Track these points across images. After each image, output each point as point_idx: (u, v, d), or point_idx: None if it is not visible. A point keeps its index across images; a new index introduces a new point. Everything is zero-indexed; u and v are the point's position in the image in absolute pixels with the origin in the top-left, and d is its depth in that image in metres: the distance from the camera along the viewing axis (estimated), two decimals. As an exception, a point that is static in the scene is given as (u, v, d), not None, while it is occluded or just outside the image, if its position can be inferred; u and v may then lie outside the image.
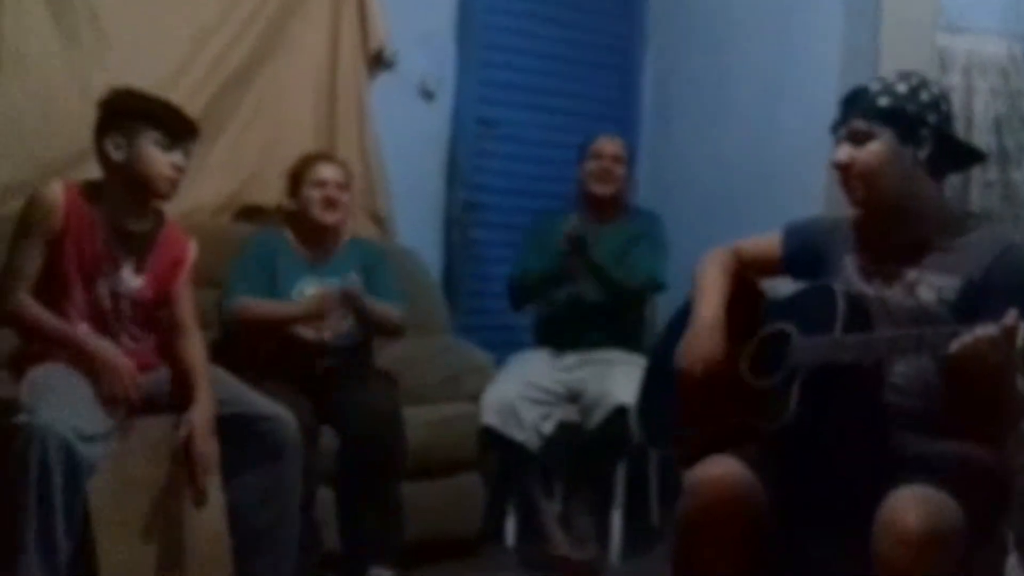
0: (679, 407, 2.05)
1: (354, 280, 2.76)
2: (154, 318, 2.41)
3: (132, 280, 2.35)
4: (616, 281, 3.24)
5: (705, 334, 1.99)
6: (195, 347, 2.41)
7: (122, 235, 2.33)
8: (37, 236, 2.24)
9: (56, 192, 2.25)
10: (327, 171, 2.93)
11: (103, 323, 2.31)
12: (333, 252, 2.96)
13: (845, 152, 1.87)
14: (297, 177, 2.95)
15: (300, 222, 2.94)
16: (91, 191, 2.31)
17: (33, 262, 2.24)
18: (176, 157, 2.33)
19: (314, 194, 2.90)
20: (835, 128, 1.93)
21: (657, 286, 3.28)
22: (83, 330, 2.26)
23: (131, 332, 2.36)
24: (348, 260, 2.94)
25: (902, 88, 1.87)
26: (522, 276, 3.35)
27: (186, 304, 2.44)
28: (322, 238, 2.94)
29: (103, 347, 2.25)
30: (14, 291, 2.22)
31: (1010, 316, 1.54)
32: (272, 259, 2.88)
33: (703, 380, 1.96)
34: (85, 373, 2.21)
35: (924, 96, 1.87)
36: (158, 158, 2.30)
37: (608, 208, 3.41)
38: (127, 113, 2.30)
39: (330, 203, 2.89)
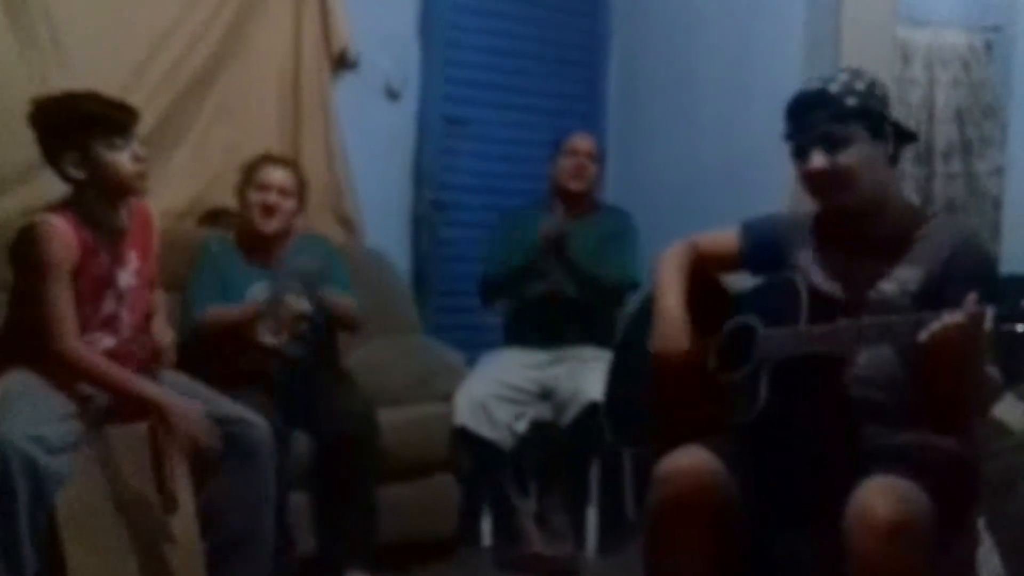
0: (650, 400, 2.05)
1: (307, 262, 2.73)
2: (144, 291, 2.42)
3: (129, 274, 2.35)
4: (595, 278, 3.24)
5: (671, 329, 2.00)
6: (156, 296, 2.52)
7: (112, 240, 2.31)
8: (63, 276, 2.19)
9: (64, 227, 2.20)
10: (274, 175, 2.87)
11: (113, 328, 2.31)
12: (279, 254, 2.90)
13: (822, 159, 1.83)
14: (245, 177, 2.91)
15: (244, 224, 2.91)
16: (74, 211, 2.26)
17: (70, 301, 2.20)
18: (133, 149, 2.29)
19: (255, 197, 2.85)
20: (796, 135, 1.88)
21: (634, 284, 3.28)
22: (103, 345, 2.27)
23: (128, 321, 2.35)
24: (298, 257, 2.91)
25: (860, 86, 1.85)
26: (493, 273, 3.34)
27: (154, 264, 2.49)
28: (263, 242, 2.89)
29: (168, 394, 2.25)
30: (67, 338, 2.19)
31: (970, 301, 1.55)
32: (221, 266, 2.86)
33: (676, 371, 1.96)
34: (159, 428, 2.23)
35: (878, 91, 1.87)
36: (119, 161, 2.26)
37: (580, 204, 3.41)
38: (66, 126, 2.24)
39: (268, 210, 2.84)
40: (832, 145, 1.82)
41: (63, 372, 2.21)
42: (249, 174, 2.90)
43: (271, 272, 2.86)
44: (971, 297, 1.55)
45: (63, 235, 2.19)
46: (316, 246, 2.99)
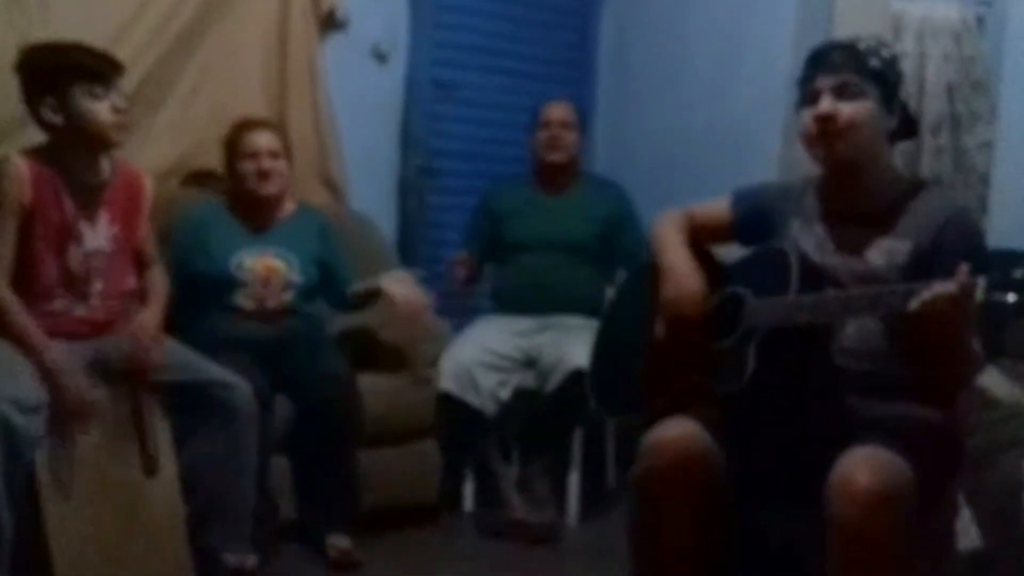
0: (638, 369, 2.05)
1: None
2: (126, 265, 2.39)
3: (101, 235, 2.32)
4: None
5: (684, 276, 1.99)
6: (156, 276, 2.48)
7: (83, 192, 2.28)
8: (9, 216, 2.18)
9: (20, 166, 2.20)
10: (259, 139, 2.84)
11: (75, 287, 2.28)
12: (274, 221, 2.90)
13: (831, 103, 1.83)
14: (230, 148, 2.88)
15: (237, 191, 2.89)
16: (45, 156, 2.25)
17: (8, 243, 2.18)
18: (113, 99, 2.27)
19: (247, 166, 2.83)
20: (809, 78, 1.88)
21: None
22: (62, 304, 2.23)
23: (101, 290, 2.32)
24: (290, 229, 2.90)
25: (886, 53, 1.88)
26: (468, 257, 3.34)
27: (148, 238, 2.46)
28: (261, 208, 2.87)
29: (60, 362, 2.18)
30: None
31: (962, 272, 1.55)
32: (207, 230, 2.83)
33: (693, 320, 1.95)
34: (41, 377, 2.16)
35: (897, 67, 1.89)
36: (97, 109, 2.24)
37: (560, 176, 3.39)
38: (48, 72, 2.23)
39: (264, 175, 2.82)
40: (844, 94, 1.83)
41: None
42: (235, 143, 2.87)
43: (263, 238, 2.85)
44: (963, 267, 1.55)
45: (16, 173, 2.18)
46: (312, 219, 2.98)
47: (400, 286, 2.87)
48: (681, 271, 2.00)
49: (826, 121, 1.83)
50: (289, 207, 2.95)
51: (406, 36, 3.74)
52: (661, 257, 2.05)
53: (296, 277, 2.82)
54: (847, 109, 1.83)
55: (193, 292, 2.74)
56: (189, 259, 2.78)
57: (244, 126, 2.90)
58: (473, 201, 3.51)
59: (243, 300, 2.77)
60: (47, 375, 2.16)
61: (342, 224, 3.21)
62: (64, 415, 2.17)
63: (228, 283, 2.77)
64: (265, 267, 2.79)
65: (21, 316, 2.19)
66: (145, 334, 2.31)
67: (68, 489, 2.16)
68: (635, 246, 3.22)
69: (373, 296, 2.93)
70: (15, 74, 2.25)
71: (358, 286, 2.96)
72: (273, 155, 2.84)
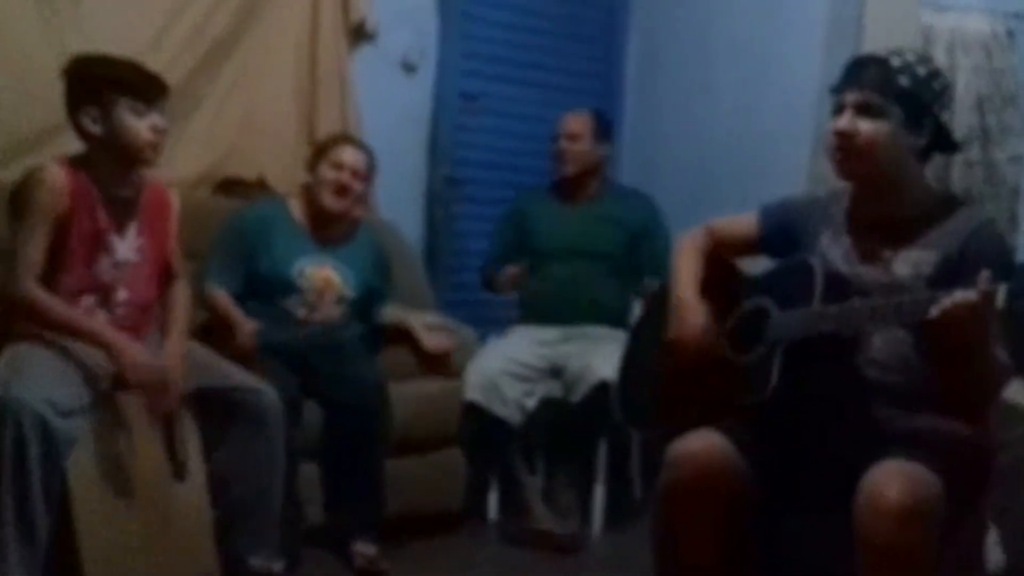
0: (661, 386, 2.05)
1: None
2: (150, 276, 2.40)
3: (130, 247, 2.34)
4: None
5: (688, 315, 2.00)
6: (180, 291, 2.48)
7: (115, 204, 2.31)
8: (45, 221, 2.20)
9: (59, 174, 2.22)
10: (348, 155, 2.89)
11: (104, 295, 2.30)
12: (345, 237, 2.94)
13: (849, 121, 1.83)
14: (320, 152, 2.92)
15: (310, 199, 2.91)
16: (82, 165, 2.27)
17: (40, 248, 2.20)
18: (154, 119, 2.29)
19: (328, 175, 2.86)
20: (839, 90, 1.88)
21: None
22: (87, 306, 2.25)
23: (125, 298, 2.34)
24: (354, 247, 2.95)
25: (922, 71, 1.84)
26: (490, 270, 3.36)
27: (176, 253, 2.48)
28: (328, 220, 2.90)
29: (119, 337, 2.22)
30: (25, 279, 2.18)
31: (983, 279, 1.55)
32: (269, 230, 2.85)
33: (691, 361, 1.96)
34: (106, 363, 2.18)
35: (936, 85, 1.85)
36: (137, 126, 2.26)
37: (579, 187, 3.38)
38: (95, 82, 2.26)
39: (341, 189, 2.85)
40: (866, 112, 1.82)
41: (19, 317, 2.20)
42: (324, 150, 2.91)
43: (326, 250, 2.88)
44: (984, 274, 1.55)
45: (55, 181, 2.20)
46: (375, 243, 3.03)
47: (431, 337, 2.96)
48: (685, 309, 2.02)
49: (844, 137, 1.84)
50: (357, 225, 2.98)
51: (434, 48, 3.77)
52: (673, 289, 2.07)
53: (350, 292, 2.87)
54: (866, 128, 1.82)
55: (249, 289, 2.77)
56: (252, 255, 2.80)
57: (343, 138, 2.98)
58: (498, 211, 3.53)
59: (295, 307, 2.81)
60: (113, 354, 2.18)
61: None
62: (133, 389, 2.19)
63: (286, 288, 2.80)
64: (323, 278, 2.83)
65: (63, 308, 2.21)
66: (176, 368, 2.29)
67: (99, 493, 2.18)
68: (663, 255, 3.22)
69: (402, 332, 2.98)
70: (61, 78, 2.28)
71: (392, 314, 3.01)
72: (355, 174, 2.88)
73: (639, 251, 3.31)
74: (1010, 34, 4.18)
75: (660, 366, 2.07)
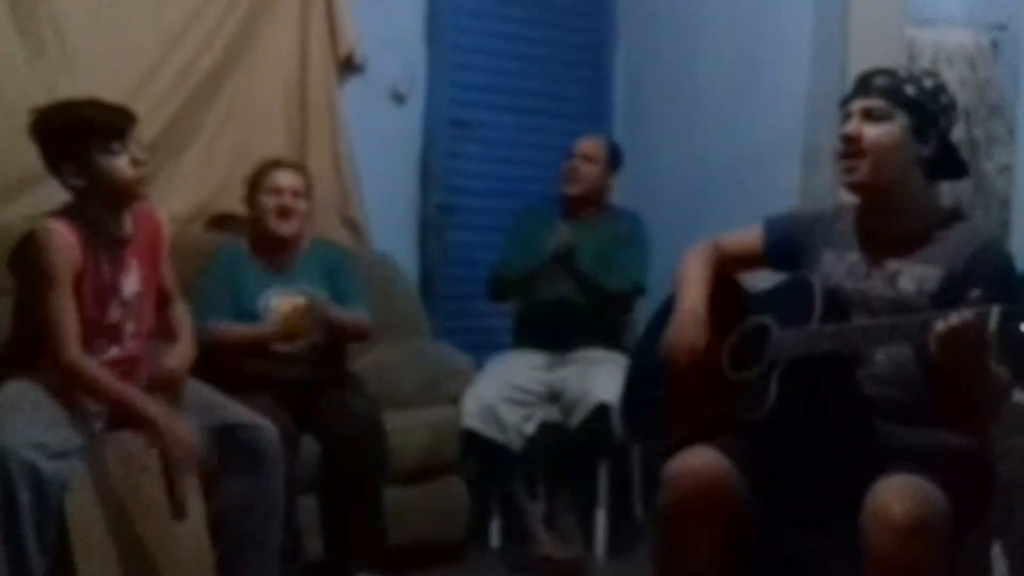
0: (662, 399, 2.05)
1: (317, 297, 2.75)
2: (151, 304, 2.41)
3: (134, 281, 2.34)
4: (601, 289, 3.23)
5: (688, 325, 2.00)
6: (180, 311, 2.51)
7: (113, 247, 2.30)
8: (67, 282, 2.18)
9: (65, 231, 2.19)
10: (283, 178, 2.87)
11: (117, 337, 2.30)
12: (293, 259, 2.91)
13: (856, 125, 1.86)
14: (254, 184, 2.91)
15: (257, 231, 2.91)
16: (76, 216, 2.25)
17: (72, 310, 2.19)
18: (132, 152, 2.26)
19: (269, 202, 2.85)
20: (847, 101, 1.92)
21: (641, 290, 3.27)
22: (99, 347, 2.26)
23: (133, 330, 2.34)
24: (310, 264, 2.91)
25: (928, 84, 1.89)
26: (503, 273, 3.34)
27: (168, 274, 2.49)
28: (280, 246, 2.89)
29: (162, 412, 2.23)
30: (69, 347, 2.18)
31: (973, 300, 1.56)
32: (234, 273, 2.85)
33: (687, 370, 1.96)
34: (148, 440, 2.22)
35: (943, 99, 1.89)
36: (117, 166, 2.24)
37: (583, 208, 3.40)
38: (63, 135, 2.23)
39: (285, 212, 2.84)
40: (872, 117, 1.85)
41: (65, 382, 2.20)
42: (259, 179, 2.90)
43: (285, 277, 2.86)
44: (974, 293, 1.56)
45: (65, 242, 2.18)
46: (329, 252, 3.00)
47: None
48: (686, 317, 2.02)
49: (850, 141, 1.86)
50: (305, 243, 2.96)
51: (423, 77, 3.79)
52: (678, 296, 2.07)
53: (323, 308, 2.82)
54: (871, 132, 1.85)
55: (226, 344, 2.75)
56: (220, 306, 2.79)
57: (271, 164, 2.94)
58: (493, 238, 3.53)
59: (274, 342, 2.79)
60: (155, 429, 2.20)
61: (364, 264, 3.23)
62: (174, 462, 2.21)
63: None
64: (291, 305, 2.80)
65: (110, 379, 2.22)
66: (183, 369, 2.38)
67: (98, 534, 2.17)
68: (630, 266, 3.24)
69: None
70: (31, 139, 2.25)
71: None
72: (295, 194, 2.87)
73: (613, 261, 3.29)
74: (994, 45, 4.22)
75: (663, 378, 2.06)
